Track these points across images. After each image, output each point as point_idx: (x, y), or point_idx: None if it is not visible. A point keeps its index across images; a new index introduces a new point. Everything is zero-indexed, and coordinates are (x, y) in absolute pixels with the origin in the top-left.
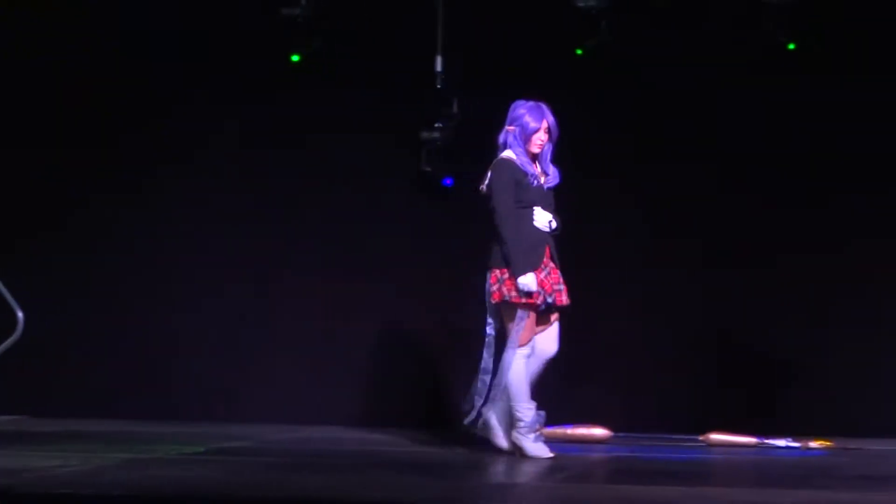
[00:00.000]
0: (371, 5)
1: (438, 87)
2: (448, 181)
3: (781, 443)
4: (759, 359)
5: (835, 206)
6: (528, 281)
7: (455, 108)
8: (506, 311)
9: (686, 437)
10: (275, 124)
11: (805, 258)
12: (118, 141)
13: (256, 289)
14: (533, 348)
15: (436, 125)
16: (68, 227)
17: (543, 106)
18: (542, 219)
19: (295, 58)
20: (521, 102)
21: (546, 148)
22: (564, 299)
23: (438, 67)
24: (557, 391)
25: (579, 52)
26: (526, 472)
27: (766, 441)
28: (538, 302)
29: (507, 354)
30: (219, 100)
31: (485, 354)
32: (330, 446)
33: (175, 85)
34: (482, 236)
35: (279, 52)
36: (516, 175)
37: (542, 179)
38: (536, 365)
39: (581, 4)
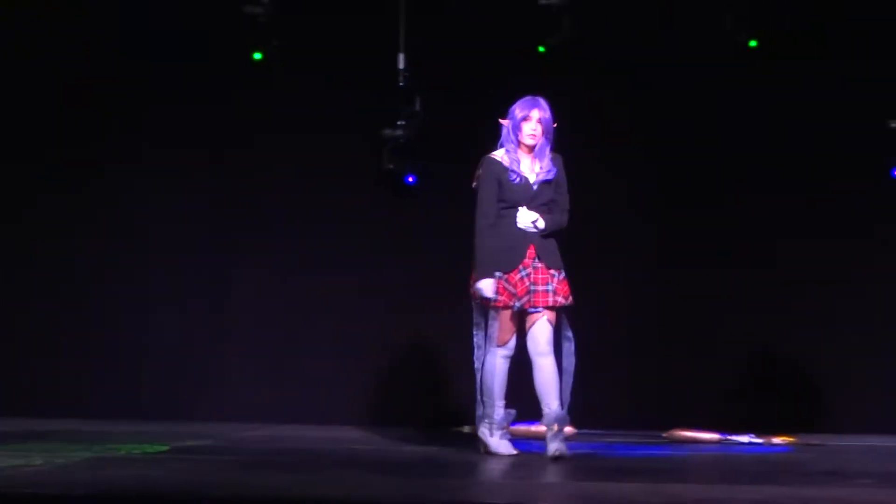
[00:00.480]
0: (334, 2)
1: (401, 84)
2: (411, 179)
3: (744, 439)
4: (725, 356)
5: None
6: (483, 286)
7: (417, 106)
8: (486, 312)
9: (649, 433)
10: (236, 123)
11: (764, 255)
12: (81, 144)
13: (226, 289)
14: (513, 349)
15: (398, 123)
16: (27, 226)
17: (539, 98)
18: (525, 219)
19: (257, 56)
20: None
21: (541, 141)
22: (547, 301)
23: (401, 65)
24: (521, 388)
25: (542, 49)
26: (488, 470)
27: (729, 437)
28: (509, 304)
29: (487, 354)
30: (179, 99)
31: (474, 354)
32: (300, 444)
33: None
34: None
35: (243, 50)
36: (499, 174)
37: (534, 177)
38: (535, 365)
39: (543, 2)
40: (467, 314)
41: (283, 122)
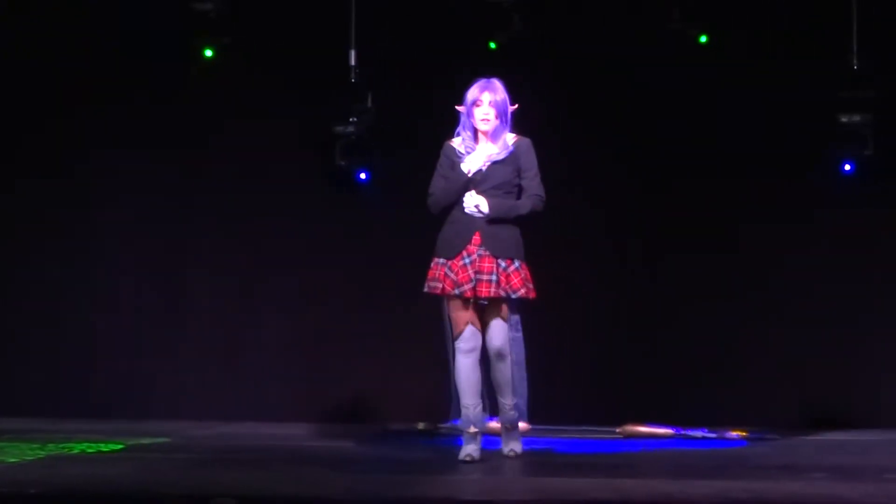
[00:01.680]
0: None
1: (353, 80)
2: (363, 175)
3: (698, 433)
4: (678, 350)
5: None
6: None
7: (369, 103)
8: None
9: (603, 428)
10: (186, 120)
11: (717, 250)
12: (26, 145)
13: (180, 287)
14: (471, 342)
15: (350, 119)
16: None
17: (491, 81)
18: (469, 202)
19: (208, 52)
20: None
21: (495, 125)
22: (489, 291)
23: (352, 61)
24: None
25: (493, 45)
26: (443, 466)
27: (683, 432)
28: (450, 291)
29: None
30: (128, 98)
31: (448, 349)
32: (255, 442)
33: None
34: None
35: (188, 45)
36: (451, 159)
37: (486, 160)
38: (492, 361)
39: None
40: (423, 311)
41: (233, 120)
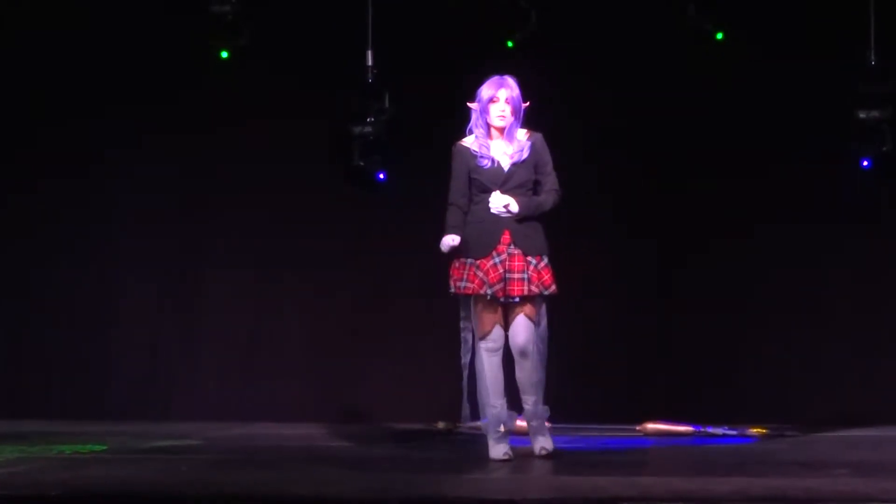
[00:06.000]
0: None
1: (370, 80)
2: (381, 175)
3: (718, 431)
4: (698, 347)
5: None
6: (443, 242)
7: (387, 102)
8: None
9: (623, 426)
10: (203, 120)
11: (737, 246)
12: (44, 142)
13: (197, 288)
14: (498, 341)
15: (368, 119)
16: None
17: (506, 77)
18: (497, 202)
19: (224, 54)
20: None
21: (511, 121)
22: (522, 290)
23: (369, 61)
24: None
25: (510, 44)
26: (460, 466)
27: (703, 429)
28: (480, 291)
29: (475, 351)
30: (140, 98)
31: (461, 349)
32: (273, 442)
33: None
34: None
35: (206, 46)
36: (467, 161)
37: (506, 159)
38: (516, 359)
39: None
40: (440, 311)
41: (251, 120)
